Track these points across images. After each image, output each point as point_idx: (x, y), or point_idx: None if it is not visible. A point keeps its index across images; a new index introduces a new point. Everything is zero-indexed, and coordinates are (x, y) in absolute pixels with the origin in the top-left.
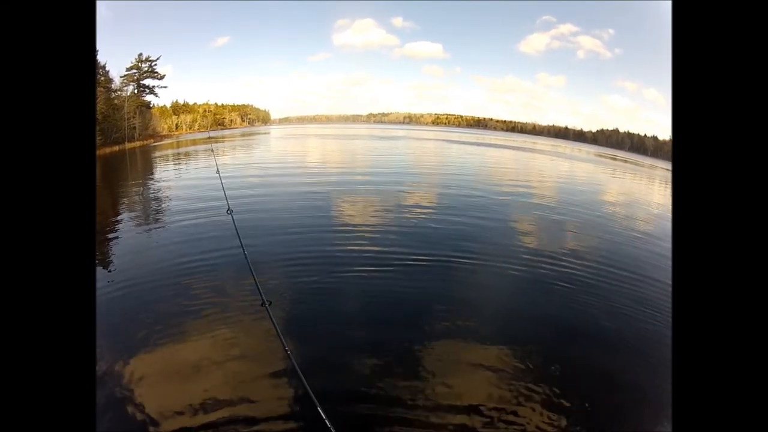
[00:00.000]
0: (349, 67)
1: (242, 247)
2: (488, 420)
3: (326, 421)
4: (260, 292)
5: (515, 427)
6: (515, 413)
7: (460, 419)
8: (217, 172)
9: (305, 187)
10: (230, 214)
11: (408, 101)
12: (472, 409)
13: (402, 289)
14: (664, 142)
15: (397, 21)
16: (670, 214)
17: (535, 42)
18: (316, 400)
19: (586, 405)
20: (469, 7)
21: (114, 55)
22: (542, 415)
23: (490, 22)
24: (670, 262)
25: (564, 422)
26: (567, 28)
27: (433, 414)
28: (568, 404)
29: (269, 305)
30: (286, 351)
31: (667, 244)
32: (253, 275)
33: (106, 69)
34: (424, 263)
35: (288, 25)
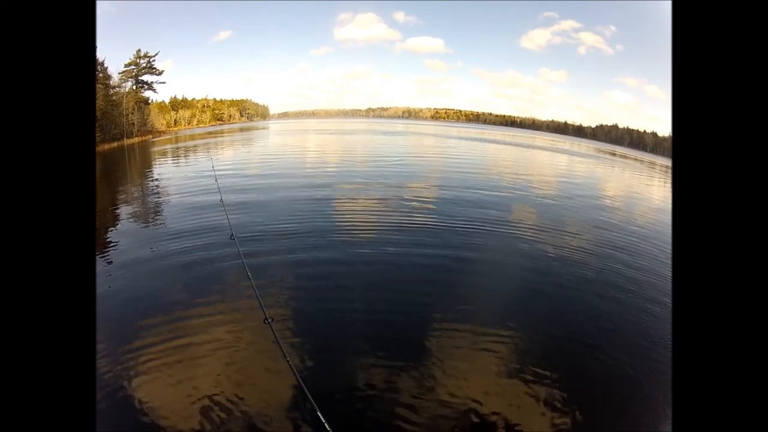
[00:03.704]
0: (350, 61)
1: (246, 268)
2: (492, 420)
3: (326, 424)
4: (263, 309)
5: (516, 426)
6: (516, 413)
7: (460, 421)
8: (221, 201)
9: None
10: (233, 239)
11: (409, 96)
12: (473, 410)
13: (406, 287)
14: (664, 138)
15: (399, 16)
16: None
17: (537, 37)
18: (315, 405)
19: (588, 403)
20: (470, 2)
21: (114, 49)
22: (544, 415)
23: (492, 18)
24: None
25: (566, 421)
26: (569, 24)
27: (433, 417)
28: (569, 403)
29: (271, 321)
30: (288, 361)
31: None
32: (256, 293)
33: (105, 65)
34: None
35: (290, 20)
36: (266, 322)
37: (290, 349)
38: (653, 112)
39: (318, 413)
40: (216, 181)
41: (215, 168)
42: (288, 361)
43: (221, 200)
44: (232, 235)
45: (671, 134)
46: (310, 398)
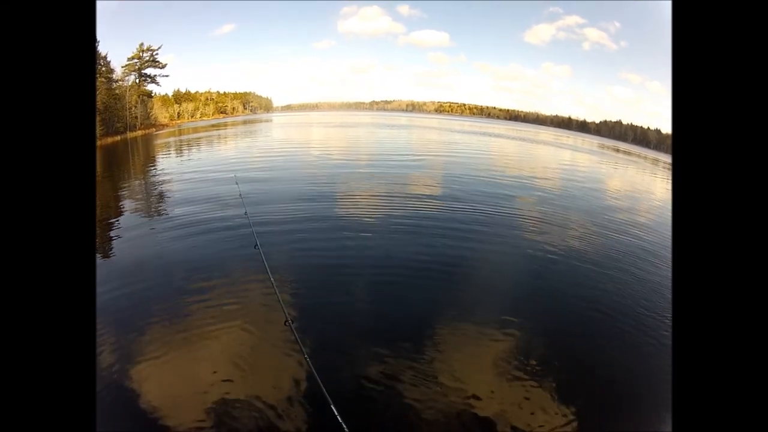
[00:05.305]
0: (354, 54)
1: (269, 273)
2: (495, 415)
3: (338, 417)
4: (284, 310)
5: (524, 422)
6: (520, 410)
7: (468, 416)
8: (245, 214)
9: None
10: (258, 248)
11: (411, 89)
12: (478, 406)
13: (420, 278)
14: (667, 135)
15: (404, 9)
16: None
17: (541, 32)
18: (329, 398)
19: (589, 402)
20: None
21: (118, 40)
22: (547, 412)
23: (496, 12)
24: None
25: (568, 421)
26: (573, 19)
27: (444, 413)
28: (571, 401)
29: (292, 323)
30: (305, 357)
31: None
32: (276, 292)
33: (108, 59)
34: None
35: (293, 13)
36: (287, 323)
37: (305, 347)
38: (655, 108)
39: (332, 407)
40: (240, 195)
41: (237, 180)
42: (306, 357)
43: (246, 213)
44: (256, 245)
45: (671, 132)
46: (325, 392)
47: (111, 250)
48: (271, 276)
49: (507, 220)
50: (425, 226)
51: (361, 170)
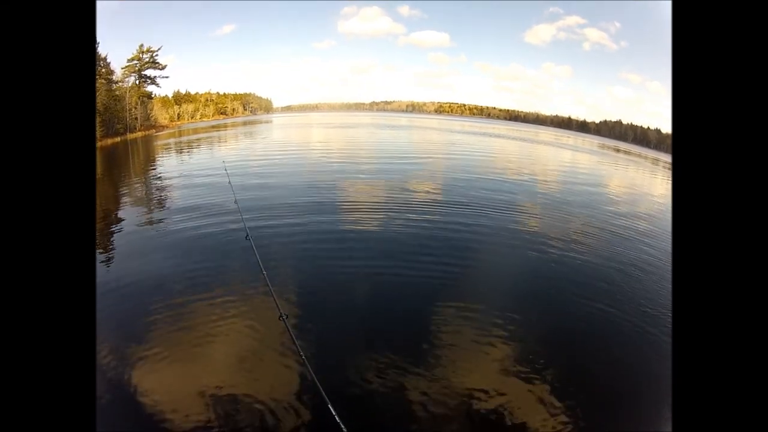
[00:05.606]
0: (354, 54)
1: (261, 267)
2: (494, 414)
3: (336, 417)
4: (278, 306)
5: (523, 422)
6: (522, 410)
7: (467, 416)
8: (235, 202)
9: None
10: (249, 239)
11: (412, 89)
12: (479, 405)
13: (413, 281)
14: (667, 135)
15: (404, 9)
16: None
17: (542, 33)
18: (327, 398)
19: (590, 402)
20: None
21: (117, 40)
22: (552, 412)
23: (496, 13)
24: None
25: (568, 420)
26: (573, 20)
27: (441, 412)
28: (571, 401)
29: (286, 318)
30: (302, 356)
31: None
32: (270, 290)
33: (108, 60)
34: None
35: (294, 13)
36: (281, 318)
37: (301, 344)
38: (655, 108)
39: (329, 406)
40: (229, 182)
41: (227, 169)
42: (302, 356)
43: (235, 201)
44: (247, 235)
45: (671, 132)
46: (323, 392)
47: (110, 248)
48: (264, 271)
49: (508, 219)
50: (427, 222)
51: (362, 171)
